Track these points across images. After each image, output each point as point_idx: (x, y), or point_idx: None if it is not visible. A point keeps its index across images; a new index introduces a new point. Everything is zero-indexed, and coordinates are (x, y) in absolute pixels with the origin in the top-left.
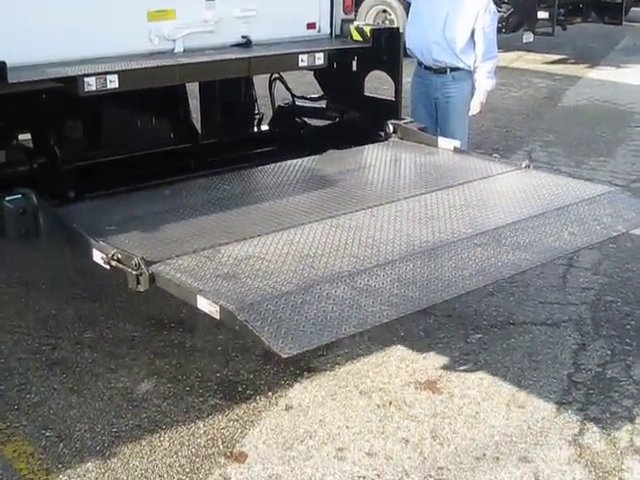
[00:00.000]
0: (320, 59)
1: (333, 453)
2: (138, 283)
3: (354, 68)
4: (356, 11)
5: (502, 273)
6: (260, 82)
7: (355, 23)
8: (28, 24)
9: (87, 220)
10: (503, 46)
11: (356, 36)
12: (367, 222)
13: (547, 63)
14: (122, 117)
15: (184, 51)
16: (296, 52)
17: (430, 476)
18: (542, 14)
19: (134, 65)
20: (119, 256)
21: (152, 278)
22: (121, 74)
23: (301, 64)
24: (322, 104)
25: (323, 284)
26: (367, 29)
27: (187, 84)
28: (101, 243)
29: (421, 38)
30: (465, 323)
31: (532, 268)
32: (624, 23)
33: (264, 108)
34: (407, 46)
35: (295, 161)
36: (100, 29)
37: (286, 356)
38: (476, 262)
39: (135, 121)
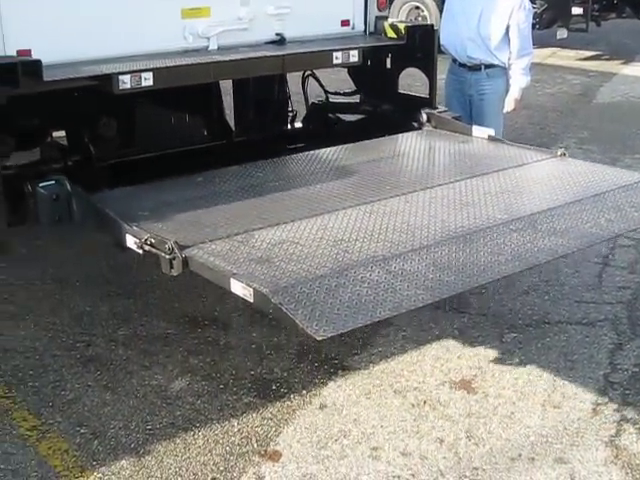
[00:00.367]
0: (354, 56)
1: (367, 452)
2: (171, 267)
3: (388, 65)
4: (389, 8)
5: (538, 258)
6: (293, 79)
7: (389, 20)
8: (63, 22)
9: (120, 206)
10: (537, 42)
11: (390, 33)
12: (401, 208)
13: (581, 59)
14: (156, 114)
15: (218, 49)
16: (330, 49)
17: (465, 476)
18: (576, 10)
19: (168, 63)
20: (152, 240)
21: (185, 262)
22: (156, 72)
23: (335, 61)
24: (355, 99)
25: (357, 268)
26: (401, 26)
27: (221, 81)
28: (134, 228)
29: (455, 35)
30: (500, 322)
31: (569, 254)
32: None
33: (297, 105)
34: (441, 43)
35: (328, 149)
36: (134, 27)
37: (320, 338)
38: (512, 247)
39: (169, 118)
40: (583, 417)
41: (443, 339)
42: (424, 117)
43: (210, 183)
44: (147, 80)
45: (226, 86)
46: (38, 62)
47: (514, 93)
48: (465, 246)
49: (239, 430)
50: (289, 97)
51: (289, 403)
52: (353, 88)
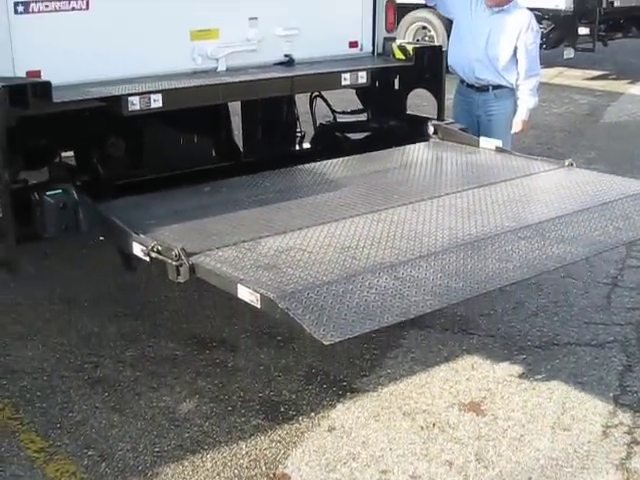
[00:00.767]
0: (363, 78)
1: (377, 476)
2: (178, 274)
3: (396, 86)
4: (396, 28)
5: (547, 265)
6: (301, 99)
7: (397, 41)
8: (72, 43)
9: (127, 215)
10: (544, 62)
11: (398, 55)
12: (409, 216)
13: (588, 79)
14: (164, 135)
15: (227, 70)
16: (339, 71)
17: None
18: (583, 30)
19: (177, 84)
20: (159, 248)
21: (192, 269)
22: (165, 93)
23: (344, 83)
24: (362, 117)
25: (365, 274)
26: (409, 47)
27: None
28: (141, 236)
29: (463, 56)
30: (509, 344)
31: (577, 261)
32: None
33: (305, 125)
34: (449, 63)
35: (335, 160)
36: (143, 48)
37: (328, 343)
38: (520, 255)
39: (177, 139)
40: (593, 440)
41: (452, 361)
42: (431, 129)
43: (217, 192)
44: (156, 102)
45: (235, 106)
46: (48, 84)
47: (522, 114)
48: (473, 253)
49: (247, 453)
50: (297, 118)
51: (297, 425)
52: (360, 106)
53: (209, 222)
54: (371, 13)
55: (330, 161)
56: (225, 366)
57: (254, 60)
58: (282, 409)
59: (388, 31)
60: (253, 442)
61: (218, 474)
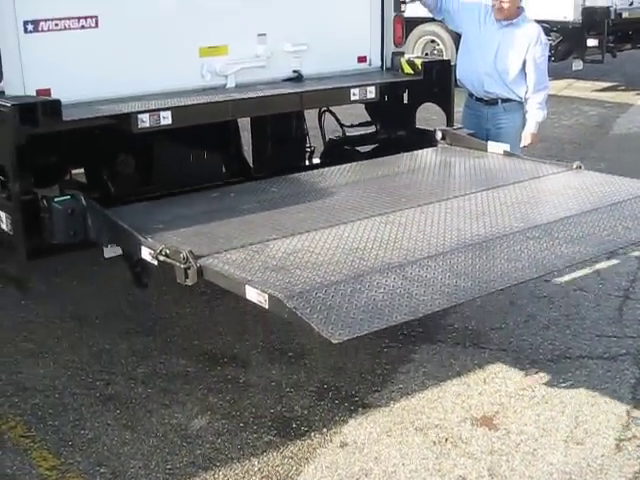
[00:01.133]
0: (372, 92)
1: None
2: (186, 277)
3: (405, 100)
4: (404, 42)
5: (556, 265)
6: (310, 114)
7: (406, 56)
8: (82, 61)
9: (135, 220)
10: (553, 74)
11: (407, 69)
12: (417, 218)
13: (597, 91)
14: (174, 152)
15: (236, 86)
16: (348, 86)
17: None
18: (591, 42)
19: (187, 101)
20: (167, 251)
21: (200, 271)
22: (174, 111)
23: (353, 97)
24: (371, 130)
25: (373, 274)
26: (418, 62)
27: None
28: (149, 240)
29: (472, 69)
30: (521, 357)
31: (586, 261)
32: None
33: (314, 139)
34: (457, 77)
35: (343, 166)
36: (153, 65)
37: (336, 342)
38: (529, 254)
39: (187, 156)
40: (606, 453)
41: (464, 375)
42: (439, 134)
43: (225, 198)
44: (166, 119)
45: (244, 122)
46: (57, 102)
47: (531, 127)
48: (481, 253)
49: (260, 469)
50: (307, 133)
51: (309, 441)
52: (369, 119)
53: (217, 226)
54: (379, 28)
55: (338, 167)
56: (237, 382)
57: (263, 76)
58: (294, 425)
59: (396, 45)
60: (265, 459)
61: None
